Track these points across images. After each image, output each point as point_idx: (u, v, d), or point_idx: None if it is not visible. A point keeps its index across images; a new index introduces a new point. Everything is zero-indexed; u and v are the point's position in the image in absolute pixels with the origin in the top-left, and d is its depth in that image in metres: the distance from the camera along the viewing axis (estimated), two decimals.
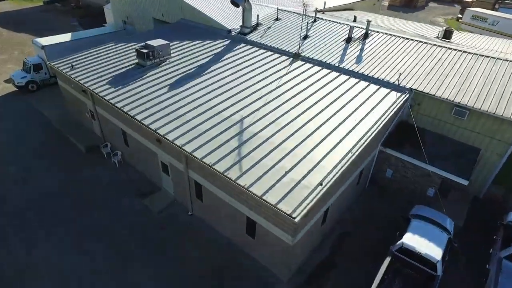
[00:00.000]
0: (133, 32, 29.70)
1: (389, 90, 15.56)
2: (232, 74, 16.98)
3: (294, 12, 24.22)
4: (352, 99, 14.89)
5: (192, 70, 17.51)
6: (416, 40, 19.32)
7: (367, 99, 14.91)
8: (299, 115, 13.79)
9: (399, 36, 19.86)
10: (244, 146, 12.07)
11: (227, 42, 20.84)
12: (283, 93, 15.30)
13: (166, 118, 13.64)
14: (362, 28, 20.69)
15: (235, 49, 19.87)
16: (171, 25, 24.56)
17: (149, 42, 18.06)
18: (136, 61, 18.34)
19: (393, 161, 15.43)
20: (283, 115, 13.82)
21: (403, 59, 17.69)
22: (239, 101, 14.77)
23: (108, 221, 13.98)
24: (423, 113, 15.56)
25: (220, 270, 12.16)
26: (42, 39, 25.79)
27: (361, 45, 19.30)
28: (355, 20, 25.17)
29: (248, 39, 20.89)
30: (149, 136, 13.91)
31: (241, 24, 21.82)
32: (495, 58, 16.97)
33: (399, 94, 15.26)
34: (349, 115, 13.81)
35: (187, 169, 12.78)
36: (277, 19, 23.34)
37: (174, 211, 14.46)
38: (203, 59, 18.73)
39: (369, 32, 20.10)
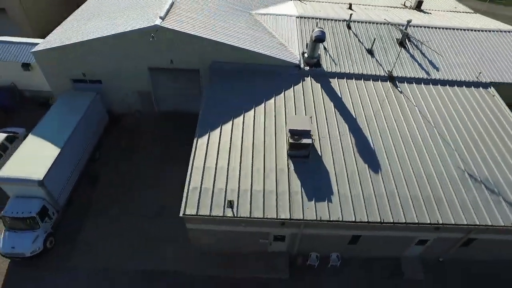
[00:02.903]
0: (100, 95, 20.67)
1: (477, 88, 19.77)
2: (389, 123, 17.03)
3: (324, 19, 22.99)
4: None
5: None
6: (456, 29, 23.37)
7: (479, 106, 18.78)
8: None
9: (436, 28, 23.23)
10: None
11: (314, 82, 19.00)
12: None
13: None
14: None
15: (339, 90, 18.68)
16: (217, 73, 19.15)
17: (294, 127, 14.86)
18: (287, 152, 15.07)
19: None
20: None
21: (459, 51, 21.71)
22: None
23: None
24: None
25: None
26: (15, 168, 15.43)
27: (413, 47, 21.80)
28: (350, 8, 26.21)
29: (327, 71, 19.65)
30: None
31: (307, 55, 19.69)
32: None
33: (486, 90, 19.78)
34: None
35: None
36: None
37: None
38: (333, 115, 17.20)
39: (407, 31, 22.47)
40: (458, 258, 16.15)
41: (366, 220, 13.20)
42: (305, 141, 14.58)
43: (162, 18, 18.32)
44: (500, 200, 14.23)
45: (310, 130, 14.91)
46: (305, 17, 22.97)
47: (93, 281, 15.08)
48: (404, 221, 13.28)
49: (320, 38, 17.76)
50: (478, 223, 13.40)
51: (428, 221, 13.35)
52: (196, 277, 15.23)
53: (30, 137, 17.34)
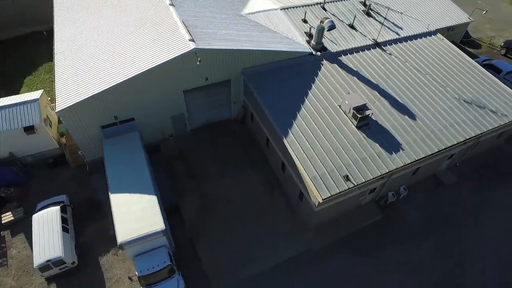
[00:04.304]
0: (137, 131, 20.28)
1: (431, 37, 26.21)
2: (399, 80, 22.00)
3: (302, 6, 25.86)
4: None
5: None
6: None
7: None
8: None
9: None
10: None
11: (330, 63, 22.44)
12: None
13: None
14: None
15: (352, 64, 22.67)
16: (254, 78, 20.84)
17: (356, 104, 18.42)
18: (353, 124, 18.71)
19: None
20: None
21: (406, 10, 27.49)
22: None
23: None
24: None
25: None
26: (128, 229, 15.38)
27: (377, 14, 26.85)
28: None
29: (333, 51, 23.21)
30: None
31: (315, 42, 22.71)
32: None
33: (436, 36, 26.39)
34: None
35: None
36: (305, 20, 24.84)
37: None
38: (361, 86, 21.22)
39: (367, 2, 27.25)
40: (465, 159, 23.01)
41: (430, 153, 18.18)
42: (367, 112, 18.45)
43: (192, 40, 18.77)
44: (487, 111, 20.93)
45: (366, 103, 18.75)
46: (287, 8, 25.60)
47: None
48: (449, 145, 18.73)
49: (333, 27, 21.04)
50: (485, 130, 19.80)
51: (461, 140, 19.12)
52: (321, 249, 18.38)
53: (114, 196, 16.80)
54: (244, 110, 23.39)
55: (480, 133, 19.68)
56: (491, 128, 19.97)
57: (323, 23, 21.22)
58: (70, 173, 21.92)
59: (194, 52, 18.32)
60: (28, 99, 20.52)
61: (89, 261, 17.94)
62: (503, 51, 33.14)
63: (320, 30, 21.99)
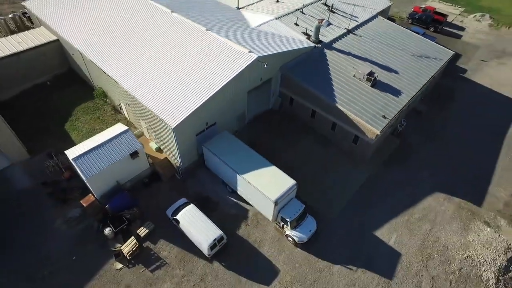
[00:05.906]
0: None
1: (375, 19, 36.88)
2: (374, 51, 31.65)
3: (288, 13, 33.51)
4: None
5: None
6: None
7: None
8: None
9: None
10: None
11: (330, 51, 30.79)
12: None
13: None
14: None
15: (345, 49, 31.41)
16: (291, 71, 27.80)
17: (366, 71, 27.11)
18: (367, 85, 27.35)
19: None
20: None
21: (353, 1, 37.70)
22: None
23: None
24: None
25: None
26: (273, 190, 21.45)
27: (337, 10, 36.32)
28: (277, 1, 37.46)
29: (326, 41, 31.62)
30: None
31: (313, 38, 30.68)
32: None
33: (378, 18, 37.19)
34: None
35: None
36: (297, 24, 32.61)
37: None
38: (360, 63, 30.12)
39: None
40: (425, 95, 34.25)
41: (418, 90, 28.18)
42: (375, 75, 27.47)
43: (252, 52, 24.73)
44: (432, 59, 32.24)
45: (372, 70, 27.74)
46: (279, 17, 33.05)
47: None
48: (424, 82, 29.20)
49: (329, 24, 29.36)
50: (437, 69, 31.03)
51: (429, 77, 29.80)
52: (376, 172, 26.82)
53: (247, 175, 21.97)
54: (281, 99, 30.17)
55: (435, 72, 30.80)
56: (438, 68, 31.34)
57: (321, 23, 29.43)
58: (166, 185, 25.54)
59: (257, 60, 24.43)
60: (119, 131, 23.46)
61: (230, 236, 22.59)
62: (410, 21, 46.88)
63: (318, 28, 30.19)
